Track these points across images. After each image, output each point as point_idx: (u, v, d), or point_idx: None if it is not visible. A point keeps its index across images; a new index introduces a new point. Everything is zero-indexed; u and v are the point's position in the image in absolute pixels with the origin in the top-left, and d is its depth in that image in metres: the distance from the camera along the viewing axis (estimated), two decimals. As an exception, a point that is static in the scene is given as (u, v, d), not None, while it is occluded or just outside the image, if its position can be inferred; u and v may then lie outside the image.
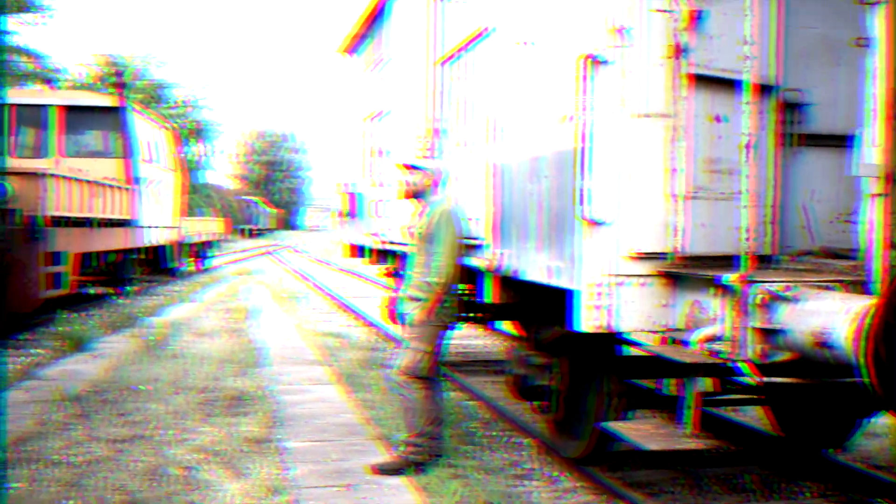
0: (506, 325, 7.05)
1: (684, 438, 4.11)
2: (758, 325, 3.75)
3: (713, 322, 4.09)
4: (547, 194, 4.92)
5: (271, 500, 5.35)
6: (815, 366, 3.71)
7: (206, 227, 27.46)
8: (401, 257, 9.59)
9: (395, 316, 11.29)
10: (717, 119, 4.41)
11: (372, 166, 10.17)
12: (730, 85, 4.28)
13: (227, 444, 6.58)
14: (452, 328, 6.48)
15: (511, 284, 5.91)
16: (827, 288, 3.71)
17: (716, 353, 3.94)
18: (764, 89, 4.18)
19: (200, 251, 26.57)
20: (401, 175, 6.26)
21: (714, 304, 4.09)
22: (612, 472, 6.16)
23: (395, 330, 12.57)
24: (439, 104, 7.39)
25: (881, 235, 3.68)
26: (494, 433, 7.31)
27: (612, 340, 5.53)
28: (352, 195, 12.13)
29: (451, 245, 5.98)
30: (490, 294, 6.04)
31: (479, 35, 6.32)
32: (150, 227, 19.34)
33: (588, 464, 6.14)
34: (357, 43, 11.62)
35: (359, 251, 11.82)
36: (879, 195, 3.67)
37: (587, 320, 4.41)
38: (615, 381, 5.57)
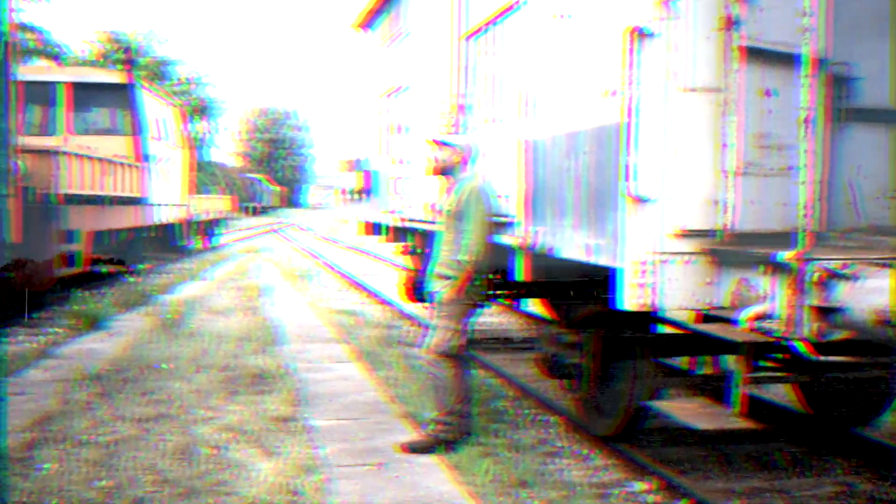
0: (533, 305, 6.98)
1: (732, 418, 4.06)
2: (815, 303, 3.68)
3: (763, 300, 4.02)
4: (585, 171, 4.84)
5: (305, 479, 5.31)
6: (869, 344, 3.65)
7: (213, 204, 27.37)
8: (422, 235, 9.51)
9: (414, 294, 11.27)
10: (768, 93, 4.32)
11: (390, 143, 10.07)
12: (780, 58, 4.18)
13: (254, 423, 6.54)
14: (482, 307, 6.42)
15: (543, 262, 5.83)
16: (885, 265, 3.63)
17: (769, 332, 3.87)
18: (815, 63, 4.08)
19: (208, 229, 26.50)
20: (430, 151, 6.17)
21: (764, 282, 4.01)
22: (641, 449, 6.13)
23: (413, 307, 12.53)
24: (464, 79, 7.28)
25: (940, 212, 3.61)
26: (522, 411, 7.27)
27: (647, 318, 5.48)
28: (366, 172, 12.03)
29: (481, 222, 5.90)
30: (521, 272, 5.96)
31: (510, 8, 6.20)
32: (159, 204, 19.26)
33: (618, 441, 6.10)
34: (373, 18, 11.47)
35: (375, 229, 11.74)
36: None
37: (630, 298, 4.34)
38: (649, 359, 5.52)
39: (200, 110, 52.35)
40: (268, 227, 46.74)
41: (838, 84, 4.58)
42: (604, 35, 4.66)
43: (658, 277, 4.34)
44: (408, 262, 11.22)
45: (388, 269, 20.87)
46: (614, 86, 4.45)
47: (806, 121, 3.85)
